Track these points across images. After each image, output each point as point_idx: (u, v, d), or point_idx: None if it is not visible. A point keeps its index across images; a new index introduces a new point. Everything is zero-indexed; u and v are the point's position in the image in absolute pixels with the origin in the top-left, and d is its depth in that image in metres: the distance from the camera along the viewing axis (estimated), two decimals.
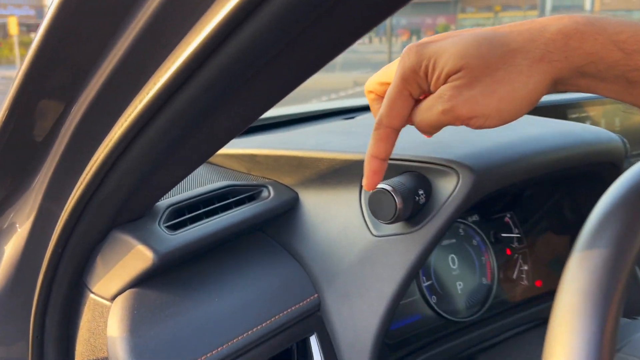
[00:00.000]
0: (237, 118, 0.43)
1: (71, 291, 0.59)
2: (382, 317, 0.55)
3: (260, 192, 0.68)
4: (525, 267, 0.80)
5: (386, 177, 0.56)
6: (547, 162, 0.59)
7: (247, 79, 0.37)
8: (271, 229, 0.68)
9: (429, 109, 0.43)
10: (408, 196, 0.54)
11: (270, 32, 0.32)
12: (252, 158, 0.72)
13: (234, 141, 0.84)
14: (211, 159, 0.78)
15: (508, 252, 0.80)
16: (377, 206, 0.55)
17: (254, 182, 0.70)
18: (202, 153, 0.48)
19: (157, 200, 0.56)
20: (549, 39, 0.39)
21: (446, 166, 0.55)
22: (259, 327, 0.55)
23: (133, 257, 0.53)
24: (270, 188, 0.68)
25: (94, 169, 0.47)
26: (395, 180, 0.55)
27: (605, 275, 0.33)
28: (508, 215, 0.81)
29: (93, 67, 0.44)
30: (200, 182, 0.71)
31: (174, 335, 0.50)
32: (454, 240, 0.75)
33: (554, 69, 0.40)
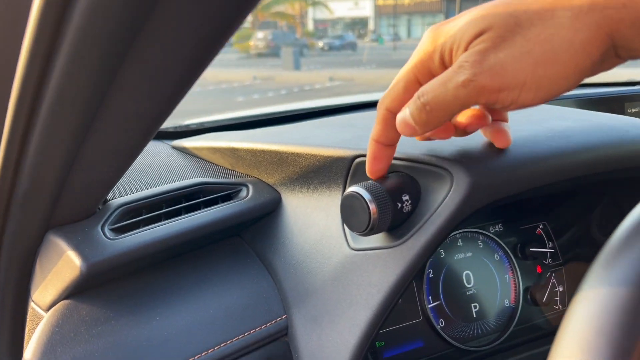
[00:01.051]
0: (146, 100, 0.34)
1: (18, 299, 0.53)
2: (354, 349, 0.45)
3: (239, 191, 0.60)
4: (560, 289, 0.67)
5: (369, 179, 0.46)
6: (575, 164, 0.47)
7: (127, 46, 0.29)
8: (248, 235, 0.59)
9: (444, 83, 0.34)
10: (386, 202, 0.43)
11: None
12: (234, 152, 0.63)
13: (222, 134, 0.77)
14: (197, 153, 0.70)
15: (539, 269, 0.67)
16: (349, 214, 0.45)
17: (233, 180, 0.61)
18: (125, 143, 0.40)
19: (99, 199, 0.49)
20: None
21: (437, 166, 0.44)
22: (207, 353, 0.46)
23: (64, 265, 0.46)
24: (250, 187, 0.60)
25: (0, 159, 0.40)
26: (373, 182, 0.44)
27: (629, 310, 0.24)
28: (541, 225, 0.68)
29: None
30: (179, 177, 0.64)
31: None
32: (470, 254, 0.64)
33: (608, 22, 0.30)
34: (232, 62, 18.94)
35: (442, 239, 0.44)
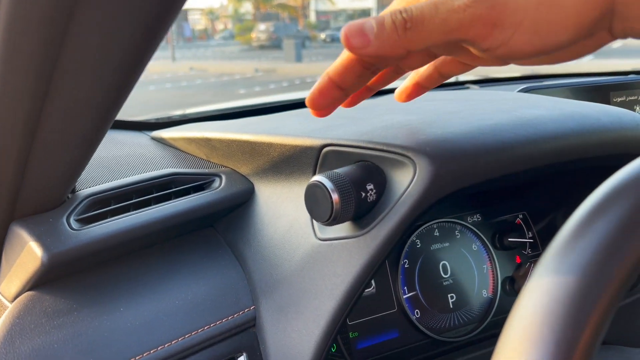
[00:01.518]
0: (93, 87, 0.34)
1: None
2: (319, 339, 0.44)
3: (212, 182, 0.59)
4: None
5: (337, 168, 0.45)
6: (543, 152, 0.46)
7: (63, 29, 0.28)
8: (221, 226, 0.59)
9: (435, 5, 0.32)
10: (349, 192, 0.42)
11: None
12: (207, 143, 0.63)
13: (198, 124, 0.76)
14: (173, 143, 0.70)
15: (518, 260, 0.66)
16: (313, 203, 0.44)
17: (206, 170, 0.61)
18: (81, 132, 0.39)
19: (64, 189, 0.48)
20: None
21: (401, 154, 0.43)
22: (171, 344, 0.46)
23: (27, 255, 0.46)
24: (224, 178, 0.59)
25: None
26: (336, 171, 0.44)
27: (576, 300, 0.23)
28: (520, 215, 0.68)
29: None
30: (153, 167, 0.63)
31: (52, 352, 0.42)
32: (447, 244, 0.63)
33: None
34: (234, 54, 18.89)
35: (406, 227, 0.43)
